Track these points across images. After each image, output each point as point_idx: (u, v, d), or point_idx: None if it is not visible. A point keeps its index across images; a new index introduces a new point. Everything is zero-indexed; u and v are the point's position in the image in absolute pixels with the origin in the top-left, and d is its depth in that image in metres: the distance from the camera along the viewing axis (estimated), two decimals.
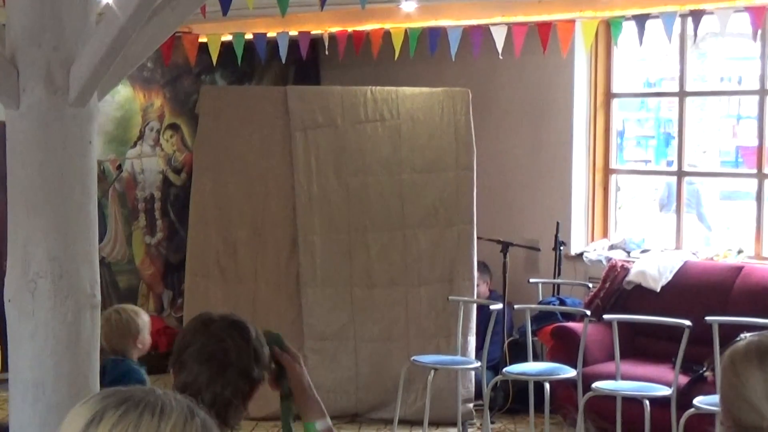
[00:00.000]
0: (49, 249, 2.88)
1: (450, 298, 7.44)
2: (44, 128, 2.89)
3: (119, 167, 8.89)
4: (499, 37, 7.63)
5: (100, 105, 3.06)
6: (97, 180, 3.09)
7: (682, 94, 8.40)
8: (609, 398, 6.58)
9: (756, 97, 8.05)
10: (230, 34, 8.09)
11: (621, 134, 10.40)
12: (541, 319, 7.71)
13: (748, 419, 2.39)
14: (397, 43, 7.71)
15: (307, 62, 9.14)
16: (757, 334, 2.62)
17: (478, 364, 7.19)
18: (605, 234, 8.60)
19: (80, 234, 2.95)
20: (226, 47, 8.11)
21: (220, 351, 2.70)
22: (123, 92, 8.94)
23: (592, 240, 8.56)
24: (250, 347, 2.75)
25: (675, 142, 8.88)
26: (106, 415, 1.43)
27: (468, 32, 7.64)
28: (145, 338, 4.93)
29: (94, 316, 2.97)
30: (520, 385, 7.38)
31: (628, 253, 8.16)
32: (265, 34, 8.09)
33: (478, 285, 7.87)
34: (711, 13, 6.99)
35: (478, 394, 7.33)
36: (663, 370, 6.76)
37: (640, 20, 7.15)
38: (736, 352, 2.47)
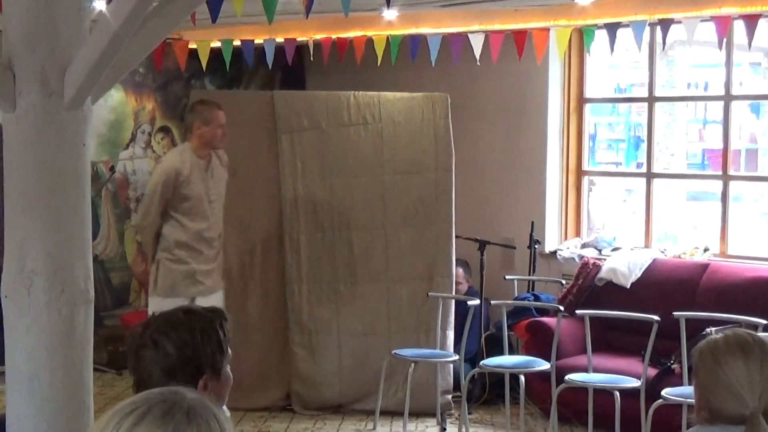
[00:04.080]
0: (44, 246, 2.87)
1: (429, 294, 7.45)
2: (40, 130, 2.88)
3: (112, 168, 8.86)
4: (477, 44, 7.64)
5: (94, 108, 3.05)
6: (91, 180, 3.08)
7: (651, 100, 8.43)
8: (581, 390, 6.61)
9: (721, 103, 8.09)
10: (219, 40, 8.08)
11: (593, 137, 10.43)
12: (517, 314, 7.73)
13: (728, 407, 2.41)
14: (380, 50, 7.72)
15: (293, 68, 9.12)
16: (727, 328, 2.64)
17: (456, 357, 7.20)
18: (578, 233, 8.63)
19: (74, 232, 2.94)
20: (215, 53, 8.10)
21: (160, 356, 2.66)
22: (116, 96, 8.91)
23: (566, 239, 8.58)
24: (177, 350, 2.68)
25: (644, 145, 8.92)
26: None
27: (447, 39, 7.65)
28: None
29: (88, 311, 2.96)
30: (496, 378, 7.41)
31: (600, 251, 8.18)
32: (253, 40, 8.08)
33: (459, 282, 7.87)
34: (679, 22, 7.02)
35: (457, 386, 7.33)
36: (632, 363, 6.78)
37: (612, 29, 7.17)
38: (717, 345, 2.49)
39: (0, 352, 3.15)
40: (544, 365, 6.82)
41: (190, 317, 2.75)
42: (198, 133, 6.60)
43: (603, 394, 6.52)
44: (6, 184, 2.93)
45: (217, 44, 8.11)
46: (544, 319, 7.44)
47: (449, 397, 7.47)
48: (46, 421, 2.87)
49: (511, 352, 7.35)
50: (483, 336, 7.73)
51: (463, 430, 6.94)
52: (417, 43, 7.64)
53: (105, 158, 8.83)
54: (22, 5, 2.86)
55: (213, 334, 2.73)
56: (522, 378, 6.82)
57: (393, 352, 7.14)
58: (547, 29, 7.50)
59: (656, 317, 6.37)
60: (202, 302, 6.41)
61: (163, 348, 2.66)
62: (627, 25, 7.14)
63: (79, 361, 2.94)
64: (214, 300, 6.57)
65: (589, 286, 7.71)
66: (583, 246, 8.37)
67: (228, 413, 2.54)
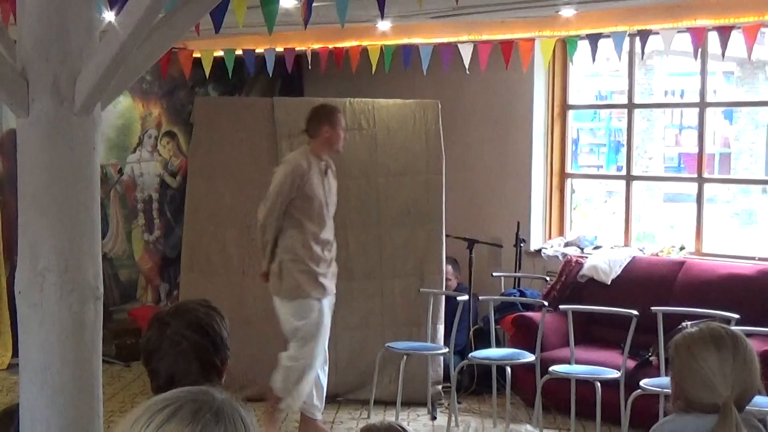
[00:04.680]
0: (55, 245, 2.87)
1: (421, 290, 7.45)
2: (52, 135, 2.87)
3: (120, 171, 8.85)
4: (466, 53, 7.65)
5: (103, 114, 3.04)
6: (100, 182, 3.07)
7: (630, 106, 8.44)
8: (564, 380, 6.61)
9: (696, 110, 8.10)
10: (222, 49, 8.07)
11: (576, 142, 10.46)
12: (503, 309, 7.73)
13: (701, 396, 2.41)
14: (374, 59, 7.72)
15: (292, 76, 9.12)
16: (702, 322, 2.65)
17: (446, 349, 7.21)
18: (561, 232, 8.63)
19: (84, 231, 2.93)
20: (218, 62, 8.09)
21: (180, 355, 2.67)
22: (124, 102, 8.91)
23: (550, 238, 8.59)
24: (207, 341, 2.71)
25: (624, 149, 8.93)
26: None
27: (438, 49, 7.65)
28: None
29: (97, 306, 2.95)
30: (484, 369, 7.41)
31: (582, 249, 8.19)
32: (254, 50, 8.07)
33: (448, 279, 7.88)
34: (656, 33, 7.04)
35: (446, 377, 7.33)
36: (613, 355, 6.80)
37: (593, 39, 7.18)
38: (692, 338, 2.49)
39: (14, 345, 3.16)
40: (529, 357, 6.83)
41: (208, 311, 2.79)
42: (326, 136, 6.38)
43: (585, 384, 6.53)
44: (20, 185, 2.92)
45: (220, 53, 8.11)
46: (529, 313, 7.45)
47: (439, 387, 7.47)
48: (58, 410, 2.87)
49: (498, 344, 7.36)
50: (471, 330, 7.73)
51: (453, 418, 6.95)
52: (409, 52, 7.65)
53: (113, 161, 8.82)
54: (35, 17, 2.86)
55: (224, 321, 2.78)
56: (508, 369, 6.83)
57: (386, 345, 7.15)
58: (533, 40, 7.51)
59: (635, 312, 6.38)
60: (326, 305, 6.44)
61: (194, 340, 2.68)
62: (608, 36, 7.15)
63: (89, 353, 2.93)
64: (328, 304, 6.49)
65: (571, 283, 7.72)
66: (566, 245, 8.37)
67: None
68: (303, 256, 6.35)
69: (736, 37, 6.70)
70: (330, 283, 6.51)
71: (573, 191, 8.88)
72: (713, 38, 6.93)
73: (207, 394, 1.44)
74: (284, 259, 6.37)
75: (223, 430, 1.38)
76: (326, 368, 6.66)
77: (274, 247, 6.40)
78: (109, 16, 3.36)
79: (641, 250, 7.95)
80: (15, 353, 8.25)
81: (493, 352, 7.03)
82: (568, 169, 8.72)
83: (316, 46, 8.21)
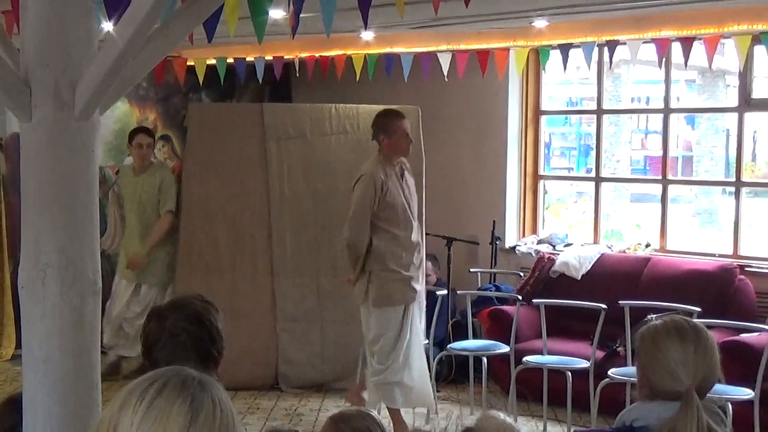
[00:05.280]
0: (57, 243, 2.86)
1: None
2: (53, 139, 2.87)
3: (118, 172, 8.81)
4: (445, 62, 7.66)
5: (102, 118, 3.04)
6: (99, 183, 3.07)
7: (599, 112, 8.47)
8: (537, 370, 6.63)
9: (661, 115, 8.13)
10: (214, 58, 8.06)
11: (548, 145, 10.47)
12: (480, 303, 7.75)
13: (665, 384, 2.43)
14: (358, 67, 7.72)
15: (281, 83, 9.11)
16: (666, 315, 2.66)
17: (426, 341, 7.21)
18: (534, 230, 8.65)
19: (84, 230, 2.93)
20: (211, 69, 8.08)
21: (179, 346, 2.67)
22: (121, 108, 8.87)
23: (524, 235, 8.60)
24: (204, 333, 2.71)
25: (593, 153, 8.95)
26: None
27: (418, 58, 7.66)
28: None
29: (96, 301, 2.95)
30: (461, 359, 7.42)
31: (554, 246, 8.21)
32: (245, 58, 8.06)
33: (428, 275, 7.87)
34: (624, 43, 7.06)
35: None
36: (582, 346, 6.82)
37: (564, 49, 7.20)
38: (656, 330, 2.50)
39: (18, 337, 3.15)
40: (504, 348, 6.84)
41: (204, 304, 2.79)
42: (385, 145, 6.19)
43: (556, 373, 6.55)
44: (23, 186, 2.92)
45: (212, 61, 8.09)
46: (504, 307, 7.46)
47: None
48: (58, 398, 2.86)
49: (475, 336, 7.37)
50: (450, 322, 7.74)
51: (433, 405, 6.95)
52: (391, 61, 7.65)
53: (111, 163, 8.78)
54: (37, 27, 2.86)
55: (219, 317, 2.78)
56: (485, 360, 6.84)
57: None
58: (507, 49, 7.52)
59: (603, 305, 6.40)
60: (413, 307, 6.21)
61: (192, 332, 2.68)
62: (578, 46, 7.17)
63: (87, 344, 2.93)
64: (417, 306, 6.32)
65: (544, 278, 7.74)
66: (539, 242, 8.39)
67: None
68: (393, 264, 6.16)
69: (698, 48, 6.73)
70: (420, 285, 6.33)
71: (545, 192, 8.90)
72: (676, 48, 6.96)
73: (184, 369, 1.45)
74: (374, 269, 6.16)
75: (209, 397, 1.38)
76: (421, 365, 6.39)
77: (365, 259, 6.19)
78: (107, 26, 3.35)
79: (609, 247, 7.98)
80: (18, 345, 8.21)
81: (470, 344, 7.04)
82: (541, 171, 8.74)
83: (303, 55, 8.21)
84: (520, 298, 7.02)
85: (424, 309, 6.54)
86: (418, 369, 6.33)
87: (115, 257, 8.26)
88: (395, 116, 6.30)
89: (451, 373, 7.67)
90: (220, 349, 2.74)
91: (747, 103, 7.47)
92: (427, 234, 7.66)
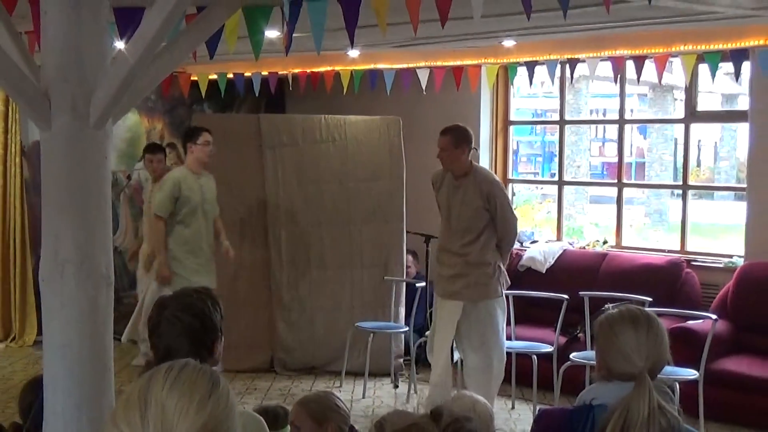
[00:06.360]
0: (74, 240, 2.86)
1: (385, 278, 7.46)
2: (70, 146, 2.87)
3: (129, 177, 8.79)
4: (424, 77, 7.68)
5: (114, 128, 3.04)
6: (112, 186, 3.07)
7: (562, 123, 8.50)
8: (506, 354, 6.64)
9: (616, 126, 8.17)
10: (215, 73, 8.05)
11: (516, 153, 10.49)
12: None
13: (620, 366, 2.44)
14: (345, 81, 7.72)
15: (276, 95, 9.09)
16: (621, 304, 2.68)
17: (407, 328, 7.23)
18: None
19: (98, 228, 2.93)
20: (212, 83, 8.07)
21: (174, 333, 2.67)
22: (132, 118, 8.84)
23: None
24: (197, 322, 2.71)
25: (556, 159, 8.98)
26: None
27: (400, 73, 7.68)
28: None
29: (109, 292, 2.96)
30: None
31: (521, 243, 8.23)
32: (243, 73, 8.06)
33: (409, 267, 7.89)
34: (583, 61, 7.10)
35: (407, 352, 7.35)
36: (547, 333, 6.83)
37: (530, 66, 7.23)
38: (613, 318, 2.51)
39: (39, 325, 3.12)
40: None
41: (199, 295, 2.78)
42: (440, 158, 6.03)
43: (523, 357, 6.56)
44: (43, 189, 2.92)
45: (214, 76, 8.09)
46: None
47: (401, 360, 7.49)
48: (76, 379, 2.86)
49: None
50: (428, 311, 7.75)
51: (412, 386, 6.96)
52: (375, 76, 7.66)
53: (123, 168, 8.76)
54: (57, 45, 2.85)
55: (217, 306, 2.78)
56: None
57: (356, 324, 7.15)
58: (479, 66, 7.55)
59: (566, 296, 6.43)
60: (442, 306, 5.92)
61: (186, 321, 2.68)
62: (542, 63, 7.20)
63: (102, 331, 2.93)
64: (444, 305, 5.95)
65: (512, 271, 7.75)
66: None
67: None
68: (436, 260, 6.19)
69: (649, 66, 6.77)
70: (446, 283, 5.97)
71: (514, 194, 8.92)
72: (630, 66, 6.99)
73: (191, 360, 1.46)
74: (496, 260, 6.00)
75: (221, 379, 1.41)
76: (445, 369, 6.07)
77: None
78: (119, 45, 3.35)
79: (571, 244, 8.00)
80: (39, 332, 8.18)
81: None
82: (510, 176, 8.77)
83: (295, 71, 8.20)
84: None
85: (454, 314, 6.01)
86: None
87: (126, 253, 8.22)
88: (441, 135, 6.12)
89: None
90: (215, 338, 2.73)
91: (692, 114, 7.51)
92: (408, 232, 7.68)
